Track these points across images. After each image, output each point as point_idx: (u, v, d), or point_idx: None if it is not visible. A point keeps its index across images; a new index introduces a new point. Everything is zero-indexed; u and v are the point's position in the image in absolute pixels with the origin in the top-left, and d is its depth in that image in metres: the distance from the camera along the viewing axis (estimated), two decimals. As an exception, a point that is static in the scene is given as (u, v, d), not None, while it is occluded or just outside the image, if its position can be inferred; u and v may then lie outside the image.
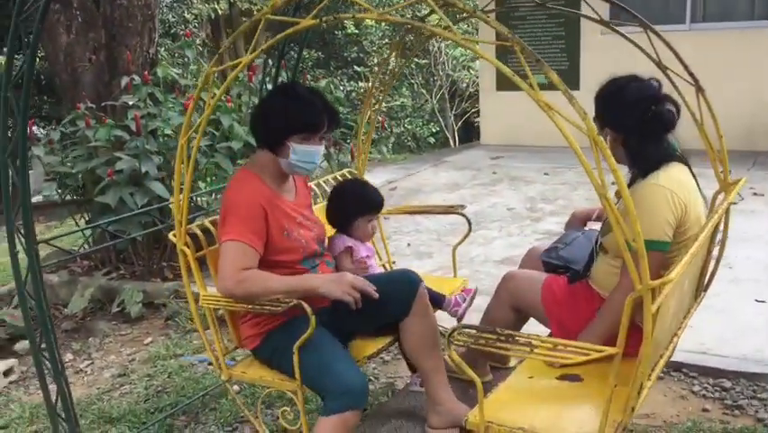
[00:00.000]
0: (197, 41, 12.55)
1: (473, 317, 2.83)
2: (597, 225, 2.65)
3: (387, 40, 14.31)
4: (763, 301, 3.99)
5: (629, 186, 2.27)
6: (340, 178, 3.31)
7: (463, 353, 2.58)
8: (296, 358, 2.27)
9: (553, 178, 7.45)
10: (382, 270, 3.02)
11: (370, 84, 3.29)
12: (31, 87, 2.39)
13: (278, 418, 3.14)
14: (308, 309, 2.21)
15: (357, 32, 14.48)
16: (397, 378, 3.51)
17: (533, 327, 2.73)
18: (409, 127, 13.92)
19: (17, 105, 2.39)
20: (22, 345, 4.18)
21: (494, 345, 1.75)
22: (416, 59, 13.75)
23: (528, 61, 1.57)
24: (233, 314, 2.56)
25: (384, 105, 13.09)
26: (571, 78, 8.78)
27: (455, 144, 13.26)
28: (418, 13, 11.74)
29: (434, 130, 14.10)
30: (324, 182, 3.30)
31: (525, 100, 1.61)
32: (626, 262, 1.57)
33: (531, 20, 9.19)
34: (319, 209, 2.86)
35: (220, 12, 14.08)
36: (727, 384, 3.18)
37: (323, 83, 6.25)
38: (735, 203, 2.42)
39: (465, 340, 1.79)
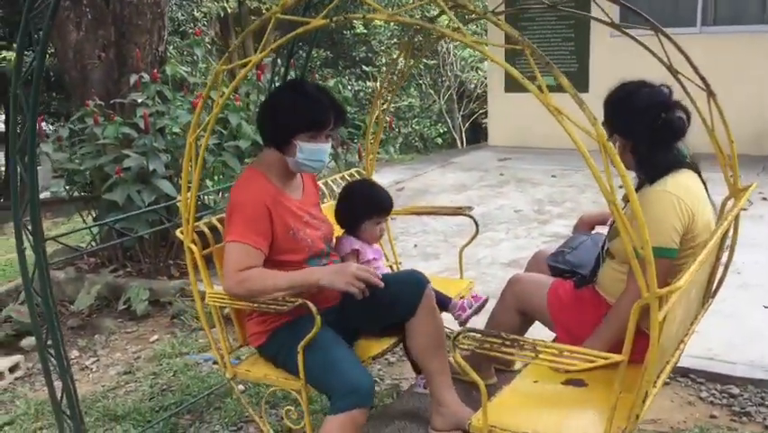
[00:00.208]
0: (206, 40, 12.56)
1: (479, 319, 2.81)
2: (604, 230, 2.63)
3: (395, 40, 14.30)
4: (771, 307, 3.96)
5: (636, 191, 2.24)
6: (348, 177, 3.30)
7: (468, 355, 2.57)
8: (300, 357, 2.27)
9: (561, 180, 7.43)
10: (389, 271, 3.01)
11: (379, 84, 3.28)
12: (40, 84, 2.39)
13: (282, 418, 3.14)
14: (314, 309, 2.20)
15: (366, 31, 14.49)
16: (403, 379, 3.50)
17: (538, 331, 2.72)
18: (417, 128, 13.92)
19: (26, 102, 2.40)
20: (29, 341, 4.19)
21: (499, 349, 1.75)
22: (424, 60, 13.73)
23: (538, 64, 1.56)
24: (239, 311, 2.56)
25: (392, 105, 13.10)
26: (581, 81, 8.75)
27: (463, 145, 13.24)
28: (428, 14, 11.74)
29: (441, 131, 14.09)
30: (333, 181, 3.29)
31: (534, 102, 1.60)
32: (633, 268, 1.56)
33: (540, 21, 9.16)
34: (327, 208, 2.85)
35: (229, 10, 14.12)
36: (735, 391, 3.16)
37: (331, 82, 6.25)
38: (745, 209, 2.40)
39: (470, 344, 1.79)
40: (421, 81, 14.20)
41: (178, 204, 2.64)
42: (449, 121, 13.83)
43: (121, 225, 4.18)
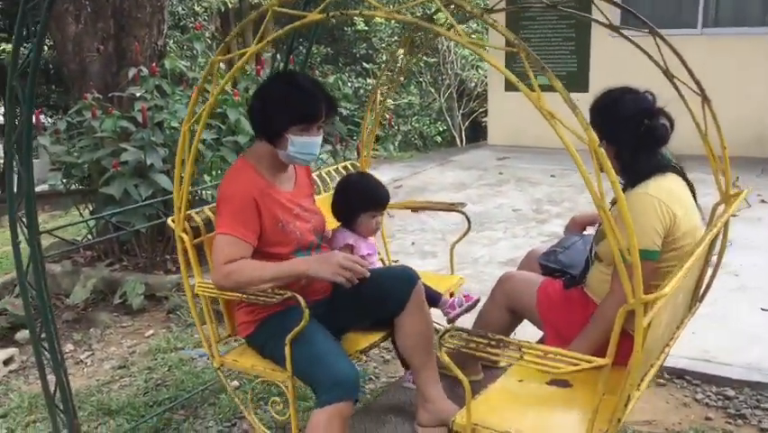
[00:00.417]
0: (207, 34, 12.53)
1: (469, 315, 2.81)
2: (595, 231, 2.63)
3: (396, 37, 14.27)
4: (768, 310, 3.96)
5: None
6: (342, 170, 3.29)
7: (455, 351, 2.58)
8: (288, 350, 2.26)
9: (560, 180, 7.42)
10: (381, 265, 3.01)
11: (377, 79, 3.26)
12: (37, 76, 2.38)
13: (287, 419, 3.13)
14: (302, 302, 2.20)
15: (366, 28, 14.46)
16: (398, 376, 3.49)
17: (526, 330, 2.72)
18: (416, 125, 13.89)
19: (23, 94, 2.38)
20: (23, 334, 4.18)
21: (484, 349, 1.76)
22: (424, 58, 13.71)
23: (533, 68, 1.55)
24: (229, 301, 2.55)
25: (392, 102, 13.09)
26: (581, 80, 8.74)
27: (462, 144, 13.22)
28: (428, 11, 11.71)
29: (441, 129, 14.06)
30: (326, 174, 3.28)
31: (542, 96, 1.59)
32: (618, 270, 1.56)
33: (541, 20, 9.15)
34: (320, 201, 2.84)
35: (230, 5, 14.07)
36: (731, 393, 3.15)
37: (331, 79, 6.23)
38: (735, 215, 2.41)
39: (456, 343, 1.80)
40: (421, 79, 14.18)
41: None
42: (449, 119, 13.81)
43: (117, 219, 4.16)
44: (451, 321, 2.77)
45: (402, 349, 2.58)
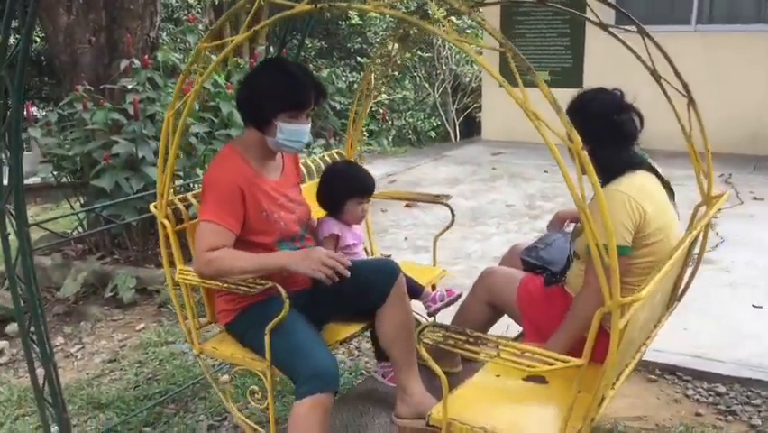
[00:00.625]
0: (200, 27, 12.47)
1: (451, 308, 2.82)
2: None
3: (391, 32, 14.22)
4: (760, 307, 3.96)
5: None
6: (328, 158, 3.28)
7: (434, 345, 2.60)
8: (267, 339, 2.26)
9: (553, 176, 7.42)
10: (364, 254, 3.01)
11: (367, 67, 3.25)
12: (26, 67, 2.35)
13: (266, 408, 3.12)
14: (283, 293, 2.19)
15: (361, 23, 14.40)
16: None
17: (505, 325, 2.71)
18: (410, 120, 13.86)
19: (11, 85, 2.35)
20: (13, 327, 4.15)
21: (462, 346, 1.77)
22: (419, 52, 13.68)
23: (519, 67, 1.55)
24: (209, 288, 2.54)
25: (386, 97, 13.05)
26: (575, 76, 8.74)
27: (456, 139, 13.21)
28: (424, 6, 11.67)
29: (435, 124, 14.04)
30: (312, 162, 3.26)
31: (528, 97, 1.58)
32: (595, 264, 1.57)
33: (536, 16, 9.13)
34: (305, 189, 2.82)
35: (224, -3, 13.99)
36: (722, 389, 3.16)
37: (324, 73, 6.22)
38: (717, 217, 2.42)
39: (434, 339, 1.81)
40: (415, 74, 14.15)
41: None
42: (443, 114, 13.79)
43: (108, 212, 4.14)
44: (431, 314, 2.79)
45: (382, 341, 2.59)
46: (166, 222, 2.50)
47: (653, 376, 3.29)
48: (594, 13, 2.39)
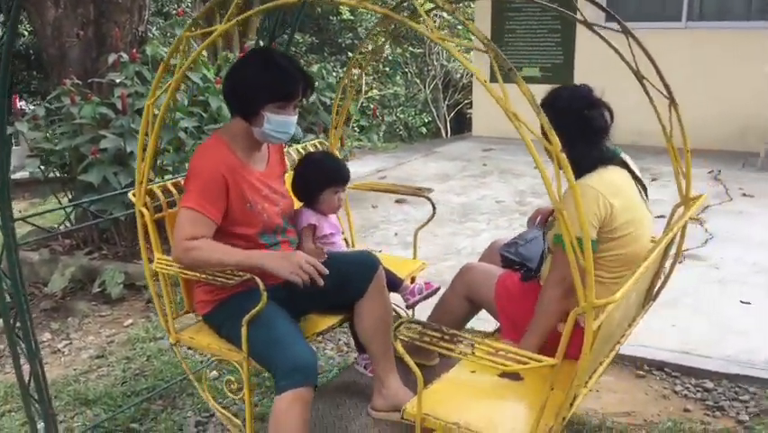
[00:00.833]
0: (189, 21, 12.39)
1: (429, 302, 2.83)
2: None
3: (382, 28, 14.19)
4: (748, 303, 3.98)
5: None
6: (311, 148, 3.27)
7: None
8: (244, 330, 2.25)
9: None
10: (344, 244, 3.01)
11: (351, 59, 3.25)
12: (10, 61, 2.32)
13: (255, 405, 3.11)
14: (261, 285, 2.19)
15: (352, 18, 14.37)
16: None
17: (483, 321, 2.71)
18: (401, 116, 13.86)
19: (-4, 78, 2.32)
20: None
21: (437, 343, 1.78)
22: (410, 48, 13.66)
23: (501, 68, 1.55)
24: (188, 278, 2.52)
25: (377, 93, 13.04)
26: (566, 72, 8.74)
27: (447, 135, 13.22)
28: (409, 2, 11.65)
29: (426, 120, 14.04)
30: (294, 151, 3.25)
31: (518, 93, 1.58)
32: (570, 264, 1.58)
33: (527, 12, 9.13)
34: (289, 179, 2.81)
35: (214, -8, 13.91)
36: (710, 385, 3.17)
37: (315, 68, 6.19)
38: (695, 218, 2.43)
39: (410, 336, 1.82)
40: (407, 70, 14.13)
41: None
42: (434, 110, 13.79)
43: (96, 207, 4.10)
44: (410, 307, 2.81)
45: (360, 334, 2.59)
46: (144, 210, 2.49)
47: (641, 372, 3.30)
48: (580, 12, 2.39)
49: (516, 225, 5.63)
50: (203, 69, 4.90)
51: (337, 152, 3.46)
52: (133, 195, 2.50)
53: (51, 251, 4.96)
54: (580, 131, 2.27)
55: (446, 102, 13.87)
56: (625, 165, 2.36)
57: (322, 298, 2.47)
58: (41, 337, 4.03)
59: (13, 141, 4.57)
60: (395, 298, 2.69)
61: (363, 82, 3.14)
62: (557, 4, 2.56)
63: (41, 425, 2.75)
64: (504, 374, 2.14)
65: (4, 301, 2.64)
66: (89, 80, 4.87)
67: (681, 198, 2.48)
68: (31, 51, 11.02)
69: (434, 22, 12.51)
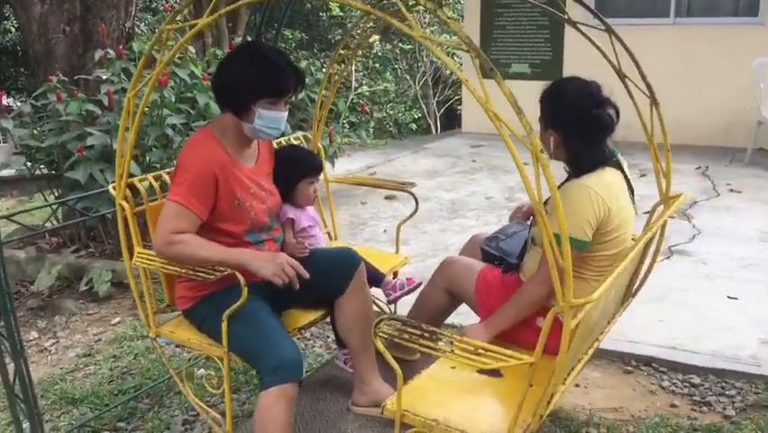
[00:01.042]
0: (178, 17, 12.32)
1: (411, 295, 2.83)
2: None
3: (371, 23, 14.17)
4: (735, 298, 4.00)
5: (563, 183, 2.33)
6: (294, 141, 3.26)
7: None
8: (224, 326, 2.25)
9: (533, 168, 7.43)
10: (326, 237, 3.00)
11: (334, 53, 3.26)
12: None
13: (243, 403, 3.10)
14: (242, 280, 2.19)
15: (342, 14, 14.34)
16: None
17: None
18: (391, 113, 13.85)
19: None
20: (-14, 321, 4.09)
21: (417, 341, 1.79)
22: (400, 45, 13.64)
23: (486, 68, 1.55)
24: (169, 272, 2.51)
25: (367, 89, 13.01)
26: (554, 69, 8.74)
27: (437, 131, 13.22)
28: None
29: (416, 116, 14.04)
30: (278, 144, 3.24)
31: (489, 97, 1.58)
32: (549, 263, 1.59)
33: (516, 8, 9.12)
34: None
35: (202, -12, 13.84)
36: (696, 380, 3.19)
37: (303, 64, 6.17)
38: (673, 217, 2.45)
39: (390, 333, 1.83)
40: (397, 66, 14.12)
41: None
42: (424, 107, 13.79)
43: (83, 205, 4.07)
44: (391, 302, 2.83)
45: (341, 330, 2.59)
46: (124, 203, 2.47)
47: (629, 367, 3.31)
48: (564, 10, 2.39)
49: (505, 221, 5.60)
50: (190, 66, 4.87)
51: (322, 148, 3.46)
52: (113, 188, 2.49)
53: (38, 249, 4.92)
54: (584, 129, 2.27)
55: (436, 98, 13.87)
56: (619, 166, 2.37)
57: (303, 294, 2.46)
58: (28, 336, 4.00)
59: (-2, 138, 4.54)
60: (376, 293, 2.69)
61: (354, 78, 3.12)
62: (543, 1, 2.57)
63: (26, 424, 2.72)
64: (483, 371, 2.14)
65: (-13, 300, 2.62)
66: (76, 77, 4.84)
67: (660, 196, 2.50)
68: (18, 48, 10.94)
69: (425, 18, 12.51)
